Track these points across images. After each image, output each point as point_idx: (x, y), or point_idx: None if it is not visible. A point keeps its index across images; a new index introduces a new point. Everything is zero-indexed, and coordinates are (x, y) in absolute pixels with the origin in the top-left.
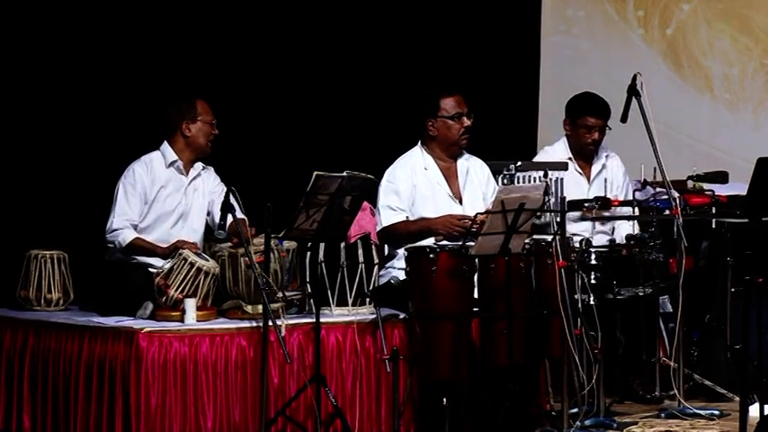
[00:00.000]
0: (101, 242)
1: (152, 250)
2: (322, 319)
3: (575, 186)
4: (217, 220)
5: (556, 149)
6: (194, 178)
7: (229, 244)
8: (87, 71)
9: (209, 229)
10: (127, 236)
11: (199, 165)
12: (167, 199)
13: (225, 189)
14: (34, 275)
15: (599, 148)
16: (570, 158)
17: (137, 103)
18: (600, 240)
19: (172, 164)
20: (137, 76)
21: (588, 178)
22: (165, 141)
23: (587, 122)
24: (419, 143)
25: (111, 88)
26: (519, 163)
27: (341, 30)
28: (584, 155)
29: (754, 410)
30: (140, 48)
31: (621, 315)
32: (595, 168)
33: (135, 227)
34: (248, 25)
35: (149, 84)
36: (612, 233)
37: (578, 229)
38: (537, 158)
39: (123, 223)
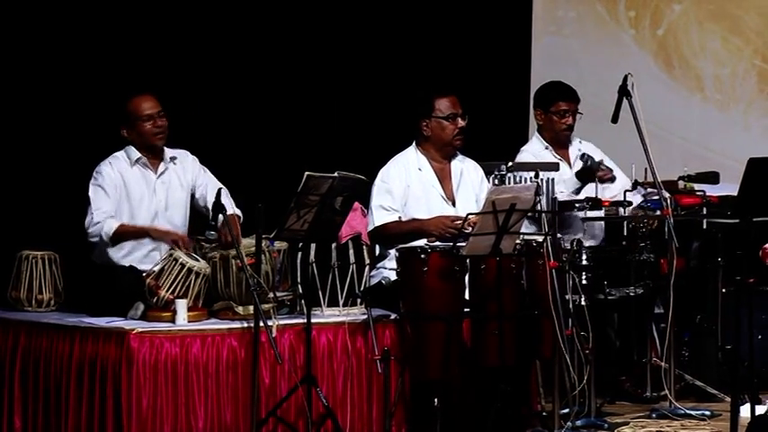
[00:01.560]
0: (86, 243)
1: (141, 231)
2: (313, 320)
3: (558, 174)
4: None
5: (533, 147)
6: (163, 173)
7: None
8: (81, 76)
9: (199, 222)
10: (111, 225)
11: (168, 156)
12: (138, 197)
13: (216, 181)
14: (25, 276)
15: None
16: (548, 148)
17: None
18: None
19: (137, 161)
20: (130, 81)
21: (569, 163)
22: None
23: (560, 108)
24: (413, 143)
25: (100, 92)
26: (510, 163)
27: (334, 30)
28: (560, 141)
29: (744, 411)
30: (132, 51)
31: (614, 316)
32: (572, 152)
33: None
34: (244, 26)
35: (142, 87)
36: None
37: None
38: (518, 159)
39: (102, 216)
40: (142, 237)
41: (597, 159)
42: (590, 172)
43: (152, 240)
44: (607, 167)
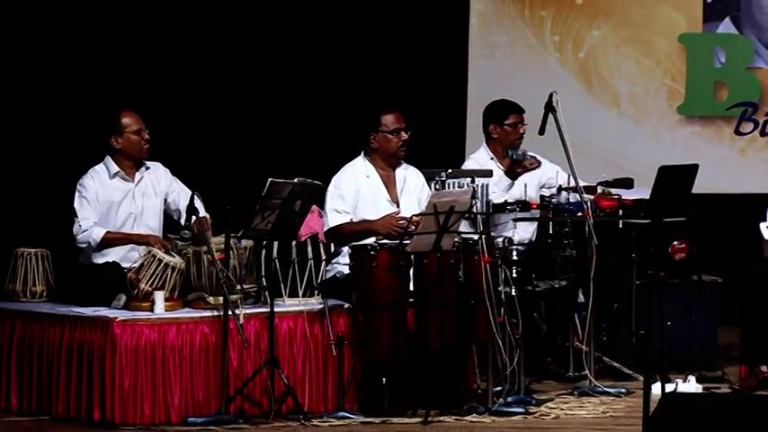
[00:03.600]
0: (73, 244)
1: (126, 239)
2: (275, 309)
3: (500, 183)
4: (183, 218)
5: (479, 156)
6: (140, 182)
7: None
8: (74, 83)
9: (171, 225)
10: (98, 232)
11: (143, 168)
12: (118, 206)
13: (186, 188)
14: (20, 270)
15: None
16: (493, 159)
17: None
18: (522, 235)
19: (115, 174)
20: (115, 91)
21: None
22: (108, 155)
23: (514, 119)
24: (362, 153)
25: (88, 100)
26: (449, 171)
27: (293, 54)
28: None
29: (656, 389)
30: (113, 62)
31: (541, 305)
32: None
33: (97, 225)
34: (218, 44)
35: (124, 98)
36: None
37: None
38: (464, 166)
39: (89, 224)
40: (126, 243)
41: (520, 152)
42: (518, 164)
43: (135, 244)
44: (531, 156)
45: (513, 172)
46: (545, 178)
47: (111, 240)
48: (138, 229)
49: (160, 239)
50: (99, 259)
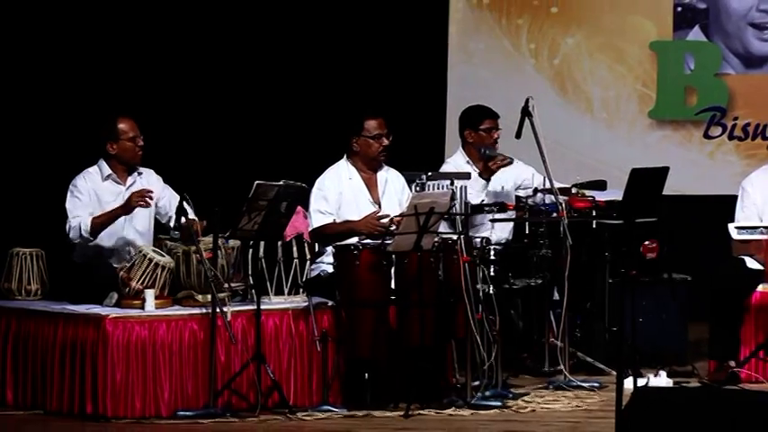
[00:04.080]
0: (68, 243)
1: (112, 215)
2: (262, 306)
3: (475, 184)
4: (173, 220)
5: (455, 160)
6: (131, 186)
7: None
8: (68, 89)
9: (160, 228)
10: (85, 221)
11: (136, 172)
12: (108, 206)
13: (175, 193)
14: (16, 270)
15: None
16: (469, 162)
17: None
18: (499, 235)
19: (108, 177)
20: (114, 93)
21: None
22: (101, 158)
23: (489, 125)
24: (345, 156)
25: (81, 105)
26: (429, 173)
27: (280, 62)
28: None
29: (628, 383)
30: (114, 62)
31: (518, 302)
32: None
33: None
34: (209, 55)
35: (124, 99)
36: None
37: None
38: (442, 169)
39: (77, 220)
40: (115, 218)
41: (493, 151)
42: (490, 160)
43: (125, 213)
44: (502, 155)
45: (488, 170)
46: (520, 179)
47: (98, 224)
48: (129, 231)
49: (140, 191)
50: (92, 258)
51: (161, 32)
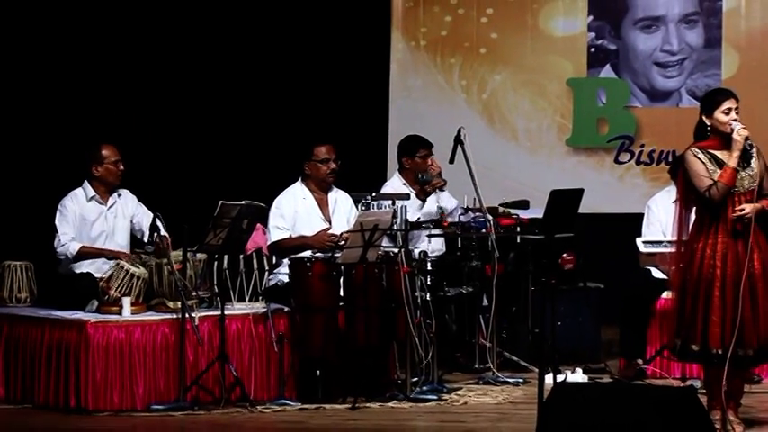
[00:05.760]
0: (54, 256)
1: (99, 253)
2: (226, 312)
3: (413, 204)
4: (146, 236)
5: (394, 183)
6: (112, 205)
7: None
8: (52, 114)
9: (136, 242)
10: (74, 246)
11: (115, 194)
12: (92, 224)
13: (148, 211)
14: (7, 280)
15: None
16: (405, 184)
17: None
18: (435, 248)
19: (91, 198)
20: (96, 120)
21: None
22: (86, 180)
23: (424, 153)
24: (299, 179)
25: (65, 129)
26: (373, 194)
27: (242, 97)
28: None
29: (548, 379)
30: (96, 92)
31: (452, 307)
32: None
33: (74, 240)
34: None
35: (104, 127)
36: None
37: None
38: (381, 191)
39: (67, 239)
40: (99, 257)
41: (428, 176)
42: (427, 183)
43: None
44: (437, 178)
45: (424, 192)
46: (443, 204)
47: (85, 254)
48: (110, 245)
49: (128, 254)
50: (75, 270)
51: (136, 69)
